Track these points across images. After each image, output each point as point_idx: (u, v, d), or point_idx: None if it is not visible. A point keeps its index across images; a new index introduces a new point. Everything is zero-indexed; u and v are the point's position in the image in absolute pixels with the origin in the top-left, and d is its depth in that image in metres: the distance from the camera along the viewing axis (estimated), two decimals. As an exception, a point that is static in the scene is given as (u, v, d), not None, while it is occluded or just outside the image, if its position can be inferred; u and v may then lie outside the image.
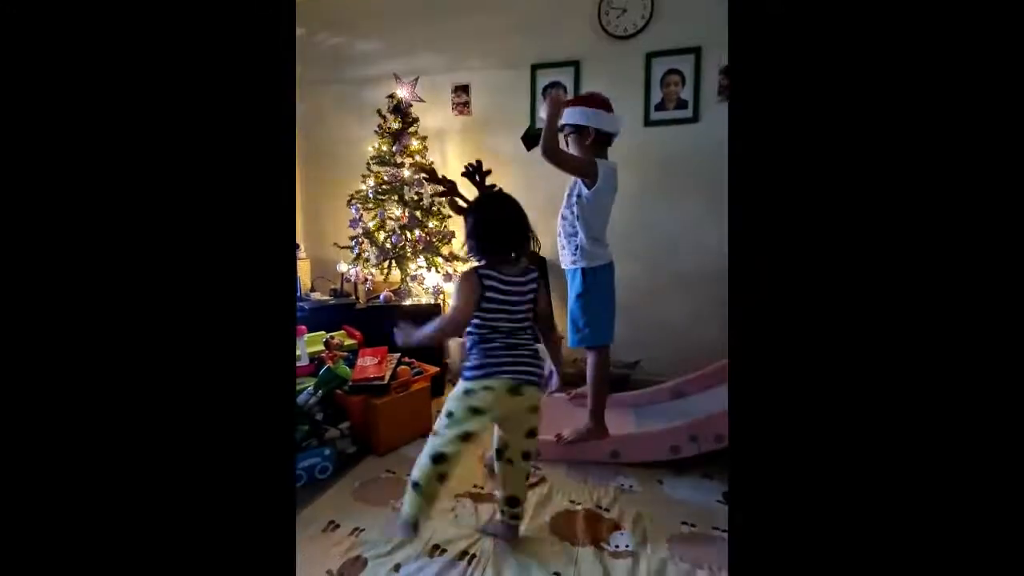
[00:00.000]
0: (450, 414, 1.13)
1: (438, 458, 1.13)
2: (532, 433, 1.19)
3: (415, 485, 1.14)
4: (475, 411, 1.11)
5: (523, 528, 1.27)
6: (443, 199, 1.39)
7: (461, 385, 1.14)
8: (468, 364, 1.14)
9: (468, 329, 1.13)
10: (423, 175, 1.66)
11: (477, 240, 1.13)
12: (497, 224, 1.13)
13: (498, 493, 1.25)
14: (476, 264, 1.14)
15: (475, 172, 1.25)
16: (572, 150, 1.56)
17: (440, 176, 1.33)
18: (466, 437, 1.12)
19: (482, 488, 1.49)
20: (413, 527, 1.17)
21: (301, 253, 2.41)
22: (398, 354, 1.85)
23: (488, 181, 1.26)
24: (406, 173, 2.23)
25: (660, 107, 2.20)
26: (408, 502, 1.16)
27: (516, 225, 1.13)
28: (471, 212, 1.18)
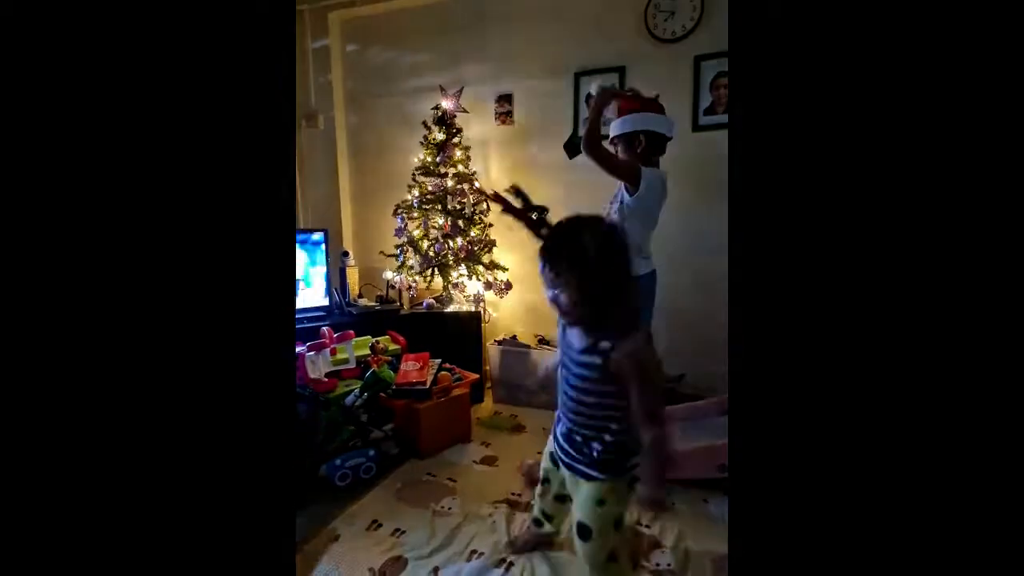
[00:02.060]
0: (588, 532, 0.90)
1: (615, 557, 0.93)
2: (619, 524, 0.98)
3: None
4: (620, 522, 0.92)
5: (561, 538, 1.25)
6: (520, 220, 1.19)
7: (595, 489, 0.88)
8: (608, 456, 0.87)
9: (616, 409, 0.86)
10: (510, 192, 1.27)
11: (616, 294, 0.80)
12: (627, 272, 0.82)
13: (536, 504, 1.23)
14: (636, 327, 0.86)
15: (528, 208, 1.06)
16: (621, 156, 1.53)
17: (516, 202, 1.15)
18: (618, 525, 0.92)
19: (519, 495, 1.49)
20: None
21: (350, 261, 2.51)
22: (439, 360, 1.89)
23: (529, 193, 1.11)
24: (449, 183, 2.29)
25: (709, 111, 2.13)
26: None
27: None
28: (600, 255, 0.79)
